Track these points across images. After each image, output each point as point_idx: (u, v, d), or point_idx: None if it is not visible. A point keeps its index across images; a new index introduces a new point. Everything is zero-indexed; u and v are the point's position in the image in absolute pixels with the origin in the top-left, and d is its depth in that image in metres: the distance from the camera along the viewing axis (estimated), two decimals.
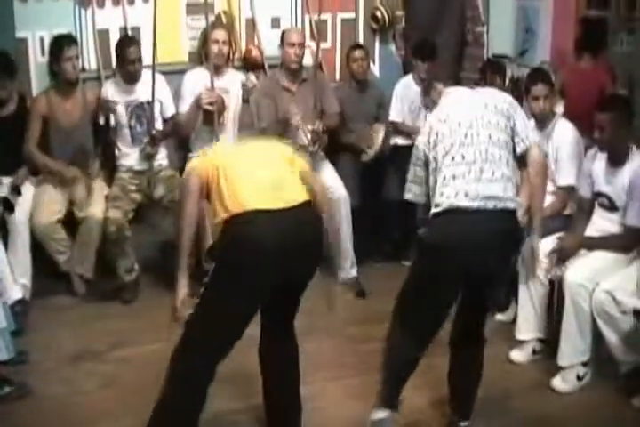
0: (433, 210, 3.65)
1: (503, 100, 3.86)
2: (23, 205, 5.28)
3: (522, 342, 4.75)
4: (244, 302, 3.45)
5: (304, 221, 3.49)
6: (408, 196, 3.95)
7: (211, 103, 5.63)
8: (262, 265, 3.37)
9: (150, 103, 5.63)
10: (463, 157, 3.63)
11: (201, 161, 3.68)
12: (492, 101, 3.80)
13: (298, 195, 3.53)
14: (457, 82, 6.59)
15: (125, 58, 5.55)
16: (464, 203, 3.57)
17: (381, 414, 3.81)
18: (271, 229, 3.38)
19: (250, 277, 3.38)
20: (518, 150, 3.79)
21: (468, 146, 3.64)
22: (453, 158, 3.63)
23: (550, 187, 4.90)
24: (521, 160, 3.85)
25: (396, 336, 3.80)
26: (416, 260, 3.92)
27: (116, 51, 5.65)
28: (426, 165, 3.77)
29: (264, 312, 3.66)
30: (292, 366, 3.85)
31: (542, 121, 4.90)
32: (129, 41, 5.66)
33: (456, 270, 3.60)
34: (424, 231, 3.74)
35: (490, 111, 3.74)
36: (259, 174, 3.53)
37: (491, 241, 3.58)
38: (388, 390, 3.84)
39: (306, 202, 3.54)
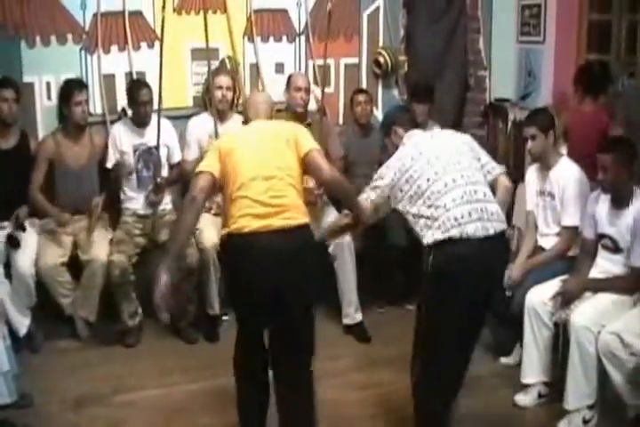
0: (437, 236, 3.71)
1: (462, 138, 4.10)
2: (25, 252, 5.25)
3: (527, 386, 4.71)
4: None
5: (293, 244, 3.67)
6: (364, 196, 4.06)
7: None
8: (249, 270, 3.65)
9: (158, 148, 5.64)
10: (454, 181, 3.78)
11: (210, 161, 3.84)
12: (456, 140, 4.05)
13: (293, 215, 3.70)
14: (459, 125, 6.65)
15: (137, 100, 5.58)
16: (470, 228, 3.67)
17: None
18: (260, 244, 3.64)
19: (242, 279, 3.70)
20: (488, 179, 3.98)
21: (454, 171, 3.81)
22: (446, 184, 3.76)
23: (555, 228, 4.92)
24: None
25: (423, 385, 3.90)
26: (429, 291, 3.84)
27: (128, 93, 5.69)
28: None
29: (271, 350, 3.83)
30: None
31: (545, 162, 4.92)
32: (140, 84, 5.69)
33: (469, 288, 3.71)
34: (432, 262, 3.75)
35: (457, 152, 3.93)
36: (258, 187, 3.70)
37: (496, 263, 3.89)
38: None
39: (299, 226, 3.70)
